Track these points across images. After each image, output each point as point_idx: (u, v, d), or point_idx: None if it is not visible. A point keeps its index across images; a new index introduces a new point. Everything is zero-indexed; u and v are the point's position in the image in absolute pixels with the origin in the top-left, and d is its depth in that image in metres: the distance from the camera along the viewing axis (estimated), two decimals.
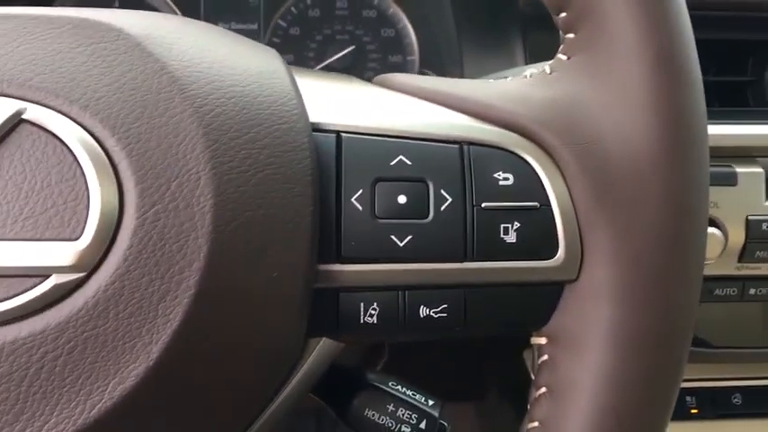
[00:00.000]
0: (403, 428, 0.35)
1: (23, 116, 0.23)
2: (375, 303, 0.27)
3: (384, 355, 0.75)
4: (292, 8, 0.73)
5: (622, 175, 0.26)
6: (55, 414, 0.22)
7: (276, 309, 0.25)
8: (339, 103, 0.29)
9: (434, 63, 0.71)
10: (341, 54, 0.72)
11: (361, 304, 0.27)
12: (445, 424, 0.35)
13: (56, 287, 0.22)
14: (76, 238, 0.22)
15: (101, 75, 0.24)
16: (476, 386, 0.82)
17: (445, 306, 0.27)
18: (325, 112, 0.28)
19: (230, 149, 0.24)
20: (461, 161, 0.27)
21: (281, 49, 0.70)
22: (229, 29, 0.67)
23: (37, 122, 0.23)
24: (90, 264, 0.22)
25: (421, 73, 0.72)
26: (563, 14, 0.29)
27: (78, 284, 0.22)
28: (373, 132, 0.28)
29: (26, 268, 0.22)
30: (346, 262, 0.26)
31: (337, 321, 0.27)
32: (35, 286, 0.22)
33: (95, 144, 0.23)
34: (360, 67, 0.72)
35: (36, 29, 0.24)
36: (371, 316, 0.27)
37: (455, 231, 0.27)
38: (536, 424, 0.27)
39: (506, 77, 0.34)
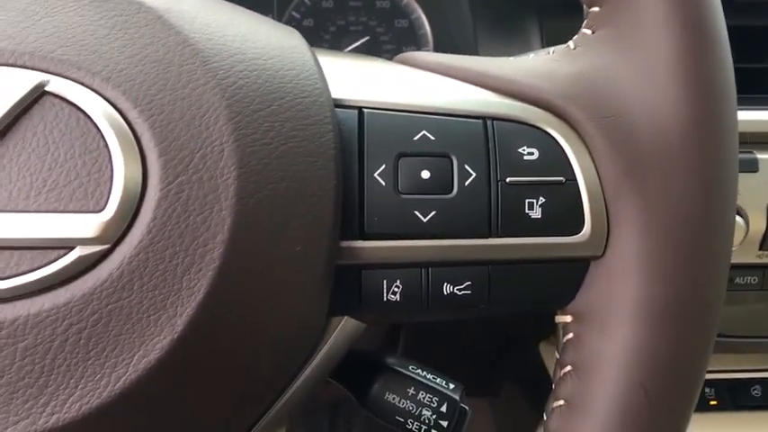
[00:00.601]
0: (423, 412, 0.34)
1: (46, 88, 0.23)
2: (398, 281, 0.27)
3: (398, 348, 0.75)
4: (306, 0, 0.73)
5: (650, 148, 0.26)
6: (79, 387, 0.21)
7: (299, 284, 0.24)
8: (360, 79, 0.29)
9: (449, 54, 0.70)
10: (355, 45, 0.71)
11: (384, 281, 0.27)
12: (466, 407, 0.35)
13: (80, 259, 0.22)
14: (100, 210, 0.22)
15: (123, 47, 0.24)
16: (491, 379, 0.82)
17: (469, 283, 0.27)
18: (347, 87, 0.28)
19: (253, 122, 0.24)
20: (485, 136, 0.27)
21: None
22: None
23: (59, 94, 0.23)
24: (114, 236, 0.22)
25: None
26: None
27: (102, 256, 0.22)
28: (396, 108, 0.27)
29: (50, 240, 0.22)
30: (369, 238, 0.26)
31: (360, 299, 0.27)
32: (59, 258, 0.22)
33: (118, 116, 0.23)
34: None
35: (57, 2, 0.24)
36: (394, 293, 0.27)
37: (479, 207, 0.26)
38: (561, 402, 0.27)
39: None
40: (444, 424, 0.34)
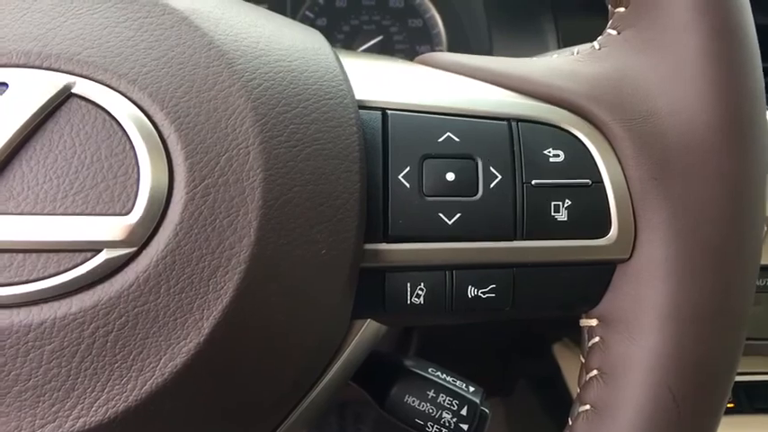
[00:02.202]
0: (444, 415, 0.34)
1: (72, 90, 0.23)
2: (422, 283, 0.26)
3: (411, 350, 0.75)
4: (320, 0, 0.72)
5: (678, 151, 0.25)
6: (106, 390, 0.21)
7: (324, 287, 0.24)
8: (383, 80, 0.28)
9: (463, 53, 0.70)
10: (368, 45, 0.71)
11: (408, 284, 0.26)
12: (486, 411, 0.34)
13: (106, 262, 0.22)
14: (127, 213, 0.22)
15: (148, 49, 0.23)
16: (503, 379, 0.81)
17: (493, 286, 0.27)
18: (370, 89, 0.27)
19: (279, 124, 0.23)
20: (510, 138, 0.27)
21: None
22: None
23: (86, 96, 0.23)
24: (141, 239, 0.22)
25: None
26: None
27: (129, 259, 0.22)
28: (419, 109, 0.27)
29: (77, 243, 0.22)
30: (393, 241, 0.26)
31: (383, 302, 0.27)
32: (85, 261, 0.22)
33: (144, 118, 0.22)
34: None
35: (82, 4, 0.24)
36: (418, 296, 0.27)
37: (505, 209, 0.26)
38: (587, 407, 0.27)
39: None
40: (465, 427, 0.34)
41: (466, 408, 0.34)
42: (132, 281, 0.22)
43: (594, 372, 0.27)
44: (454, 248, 0.26)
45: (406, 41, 0.73)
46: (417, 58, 0.33)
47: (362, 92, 0.27)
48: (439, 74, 0.30)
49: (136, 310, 0.22)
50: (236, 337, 0.22)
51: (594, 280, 0.27)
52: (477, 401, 0.34)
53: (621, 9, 0.28)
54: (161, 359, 0.22)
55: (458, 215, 0.26)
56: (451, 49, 0.71)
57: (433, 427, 0.34)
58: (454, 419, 0.34)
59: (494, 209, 0.26)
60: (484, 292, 0.27)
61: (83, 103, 0.23)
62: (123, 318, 0.21)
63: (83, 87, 0.23)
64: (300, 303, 0.24)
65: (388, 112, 0.27)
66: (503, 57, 0.62)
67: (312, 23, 0.72)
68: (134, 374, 0.22)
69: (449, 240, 0.26)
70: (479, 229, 0.26)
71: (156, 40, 0.23)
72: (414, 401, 0.34)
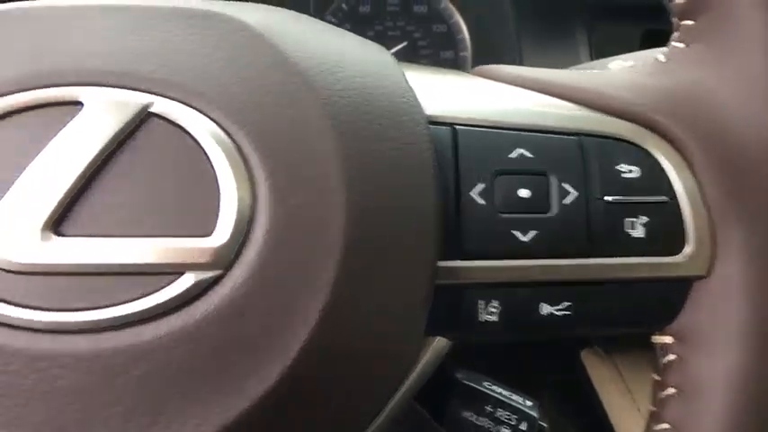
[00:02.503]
0: (502, 430, 0.34)
1: (150, 109, 0.22)
2: (495, 301, 0.26)
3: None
4: (343, 5, 0.72)
5: (756, 167, 0.25)
6: (194, 415, 0.21)
7: (403, 304, 0.24)
8: (450, 95, 0.28)
9: (489, 59, 0.70)
10: (393, 51, 0.71)
11: (481, 302, 0.26)
12: (545, 425, 0.34)
13: (193, 285, 0.21)
14: (208, 234, 0.22)
15: (223, 67, 0.23)
16: (529, 383, 0.81)
17: (568, 304, 0.26)
18: (438, 104, 0.27)
19: (358, 142, 0.23)
20: (582, 153, 0.26)
21: None
22: None
23: (164, 115, 0.22)
24: (225, 261, 0.21)
25: None
26: (679, 0, 0.28)
27: (214, 282, 0.21)
28: (489, 125, 0.27)
29: (160, 265, 0.21)
30: (467, 258, 0.25)
31: (456, 320, 0.26)
32: (170, 284, 0.21)
33: (224, 137, 0.22)
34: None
35: (153, 20, 0.24)
36: (491, 314, 0.26)
37: (579, 226, 0.26)
38: (666, 426, 0.26)
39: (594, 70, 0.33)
40: None
41: (525, 423, 0.34)
42: (218, 303, 0.21)
43: (672, 390, 0.26)
44: (528, 265, 0.26)
45: (431, 47, 0.72)
46: (474, 70, 0.32)
47: (431, 107, 0.26)
48: (503, 87, 0.29)
49: (223, 333, 0.21)
50: (324, 357, 0.22)
51: (671, 297, 0.27)
52: (536, 416, 0.34)
53: (689, 22, 0.28)
54: (249, 383, 0.21)
55: (532, 232, 0.26)
56: (477, 55, 0.71)
57: None
58: None
59: (568, 226, 0.26)
60: (558, 310, 0.26)
61: (161, 122, 0.22)
62: (210, 342, 0.21)
63: (161, 106, 0.22)
64: (381, 322, 0.23)
65: (458, 127, 0.26)
66: (532, 62, 0.62)
67: None
68: (221, 398, 0.21)
69: (523, 257, 0.26)
70: (554, 245, 0.26)
71: (232, 58, 0.23)
72: (472, 416, 0.34)
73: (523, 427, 0.34)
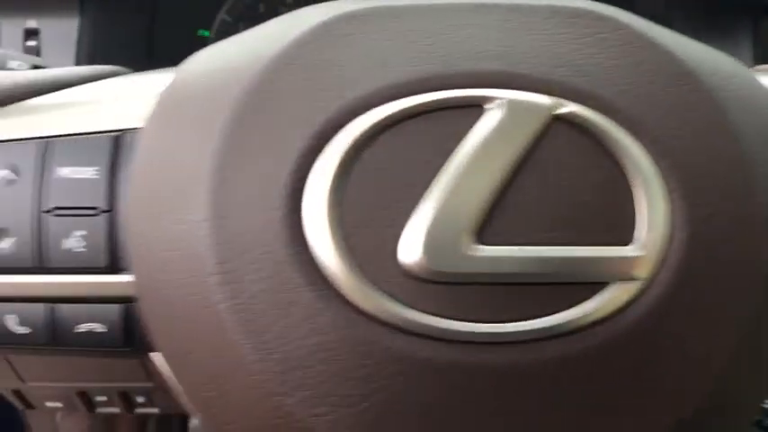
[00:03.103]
0: None
1: (556, 113, 0.21)
2: None
3: None
4: None
5: None
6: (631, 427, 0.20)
7: None
8: None
9: None
10: None
11: None
12: None
13: (619, 294, 0.21)
14: (626, 244, 0.21)
15: (630, 75, 0.22)
16: None
17: None
18: None
19: (761, 147, 0.22)
20: None
21: None
22: None
23: (571, 120, 0.21)
24: (649, 270, 0.21)
25: None
26: None
27: (638, 294, 0.21)
28: None
29: (584, 275, 0.21)
30: None
31: None
32: (596, 293, 0.21)
33: (637, 148, 0.21)
34: None
35: (537, 19, 0.23)
36: None
37: None
38: None
39: None
40: None
41: None
42: (645, 311, 0.21)
43: None
44: None
45: None
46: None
47: None
48: None
49: (648, 343, 0.21)
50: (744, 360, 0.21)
51: None
52: None
53: None
54: (686, 383, 0.21)
55: None
56: None
57: None
58: None
59: None
60: None
61: (567, 127, 0.21)
62: (641, 349, 0.21)
63: (568, 111, 0.21)
64: None
65: None
66: None
67: None
68: (658, 402, 0.21)
69: None
70: None
71: (637, 66, 0.22)
72: None
73: None
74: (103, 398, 1.04)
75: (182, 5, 0.72)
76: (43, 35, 0.57)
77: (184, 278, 0.22)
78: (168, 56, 0.70)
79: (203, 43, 0.72)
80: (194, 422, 1.32)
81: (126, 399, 1.00)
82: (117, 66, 0.37)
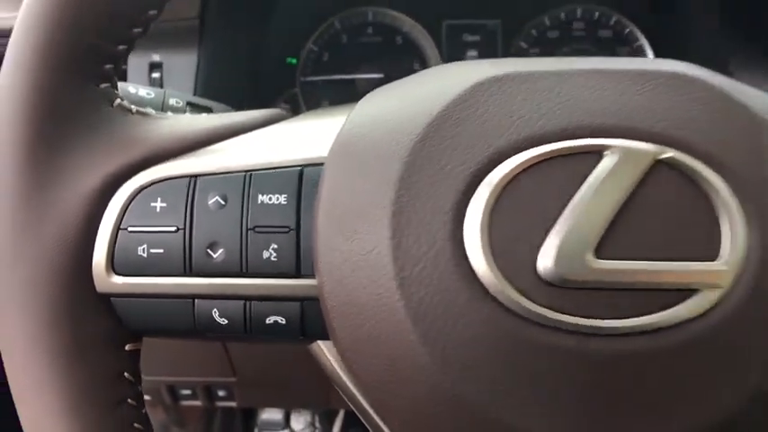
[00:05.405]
0: None
1: (659, 158, 0.28)
2: None
3: None
4: (533, 31, 0.78)
5: None
6: (711, 400, 0.27)
7: None
8: None
9: None
10: None
11: None
12: None
13: (705, 300, 0.27)
14: (713, 260, 0.27)
15: (714, 128, 0.28)
16: None
17: None
18: None
19: None
20: None
21: None
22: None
23: (671, 163, 0.28)
24: (729, 281, 0.27)
25: None
26: None
27: (721, 297, 0.27)
28: None
29: (678, 284, 0.27)
30: None
31: None
32: (686, 299, 0.27)
33: (723, 186, 0.27)
34: None
35: (639, 82, 0.29)
36: None
37: None
38: None
39: None
40: None
41: None
42: (723, 317, 0.27)
43: None
44: None
45: None
46: None
47: None
48: None
49: (727, 340, 0.27)
50: None
51: None
52: None
53: None
54: (750, 376, 0.27)
55: None
56: None
57: None
58: None
59: None
60: None
61: (666, 168, 0.28)
62: (720, 344, 0.27)
63: (668, 157, 0.28)
64: None
65: None
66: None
67: (526, 53, 0.77)
68: (728, 389, 0.27)
69: None
70: None
71: (719, 118, 0.28)
72: None
73: None
74: (188, 391, 1.13)
75: (276, 37, 0.79)
76: (165, 67, 0.66)
77: (370, 282, 0.28)
78: (267, 81, 0.78)
79: (292, 70, 0.80)
80: (263, 417, 1.38)
81: (208, 393, 1.09)
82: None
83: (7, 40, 0.54)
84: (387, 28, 0.80)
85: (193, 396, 1.04)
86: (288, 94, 0.79)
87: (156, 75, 0.65)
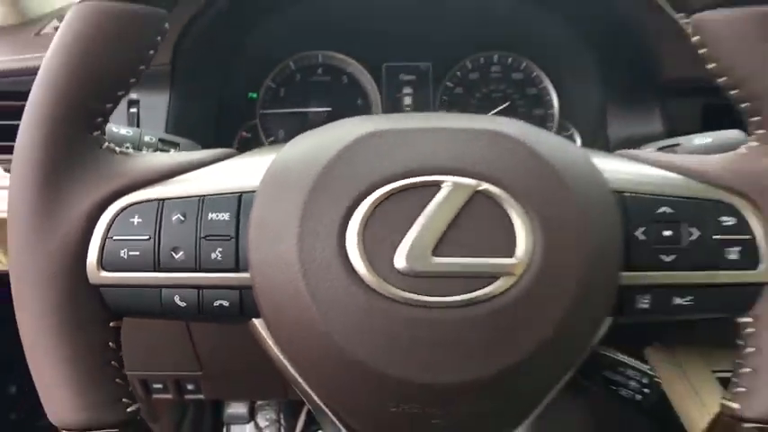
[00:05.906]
0: (630, 383, 0.52)
1: (477, 189, 0.41)
2: (647, 295, 0.45)
3: None
4: (458, 73, 0.92)
5: None
6: (513, 343, 0.40)
7: (594, 302, 0.43)
8: (618, 172, 0.47)
9: (571, 118, 0.89)
10: (498, 109, 0.90)
11: (638, 296, 0.45)
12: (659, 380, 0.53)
13: (504, 283, 0.40)
14: (511, 257, 0.40)
15: (513, 167, 0.42)
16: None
17: (691, 297, 0.45)
18: (613, 179, 0.46)
19: (592, 209, 0.42)
20: (701, 211, 0.45)
21: (449, 107, 0.89)
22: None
23: (485, 193, 0.41)
24: (521, 270, 0.40)
25: (560, 126, 0.90)
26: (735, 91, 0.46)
27: (515, 282, 0.40)
28: (645, 192, 0.45)
29: (487, 273, 0.40)
30: (631, 269, 0.44)
31: (620, 308, 0.45)
32: (492, 283, 0.40)
33: (516, 205, 0.41)
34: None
35: (462, 136, 0.43)
36: (644, 303, 0.45)
37: (703, 253, 0.44)
38: (748, 369, 0.45)
39: (678, 144, 0.52)
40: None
41: (646, 378, 0.52)
42: (519, 293, 0.40)
43: (751, 348, 0.45)
44: (669, 275, 0.44)
45: (525, 106, 0.92)
46: (616, 153, 0.51)
47: (611, 182, 0.45)
48: (642, 167, 0.48)
49: (522, 308, 0.40)
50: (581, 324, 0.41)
51: (750, 293, 0.45)
52: (653, 374, 0.53)
53: (756, 118, 0.46)
54: (532, 334, 0.40)
55: (673, 255, 0.44)
56: (561, 113, 0.90)
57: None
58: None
59: (695, 253, 0.44)
60: (685, 301, 0.45)
61: (482, 195, 0.41)
62: (516, 312, 0.40)
63: (482, 188, 0.41)
64: (575, 305, 0.42)
65: (626, 194, 0.45)
66: (621, 128, 0.80)
67: (452, 91, 0.91)
68: (520, 341, 0.40)
69: (665, 270, 0.44)
70: (686, 264, 0.45)
71: (517, 160, 0.42)
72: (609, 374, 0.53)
73: (645, 380, 0.52)
74: (159, 385, 1.27)
75: (239, 75, 0.92)
76: (141, 104, 0.78)
77: (284, 275, 0.41)
78: (231, 113, 0.90)
79: (253, 104, 0.93)
80: (229, 411, 1.50)
81: (178, 386, 1.23)
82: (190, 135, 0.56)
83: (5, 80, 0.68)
84: (334, 69, 0.93)
85: (165, 390, 1.15)
86: (248, 125, 0.92)
87: (133, 110, 0.77)
